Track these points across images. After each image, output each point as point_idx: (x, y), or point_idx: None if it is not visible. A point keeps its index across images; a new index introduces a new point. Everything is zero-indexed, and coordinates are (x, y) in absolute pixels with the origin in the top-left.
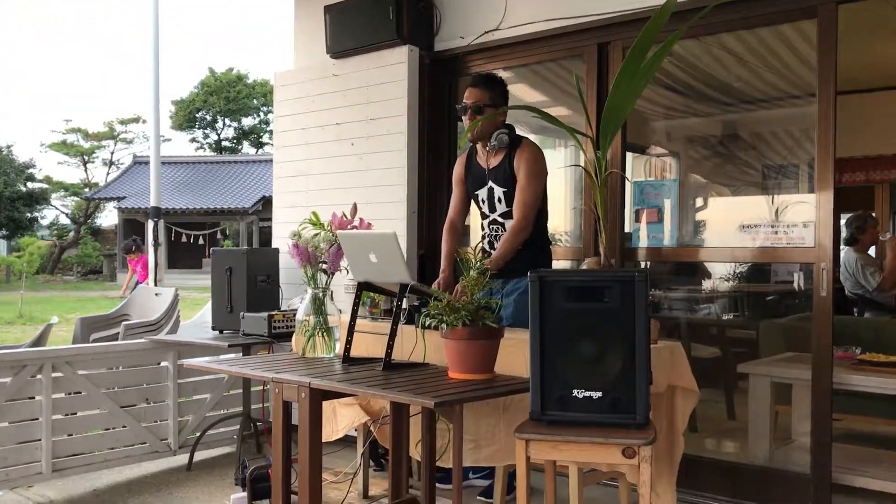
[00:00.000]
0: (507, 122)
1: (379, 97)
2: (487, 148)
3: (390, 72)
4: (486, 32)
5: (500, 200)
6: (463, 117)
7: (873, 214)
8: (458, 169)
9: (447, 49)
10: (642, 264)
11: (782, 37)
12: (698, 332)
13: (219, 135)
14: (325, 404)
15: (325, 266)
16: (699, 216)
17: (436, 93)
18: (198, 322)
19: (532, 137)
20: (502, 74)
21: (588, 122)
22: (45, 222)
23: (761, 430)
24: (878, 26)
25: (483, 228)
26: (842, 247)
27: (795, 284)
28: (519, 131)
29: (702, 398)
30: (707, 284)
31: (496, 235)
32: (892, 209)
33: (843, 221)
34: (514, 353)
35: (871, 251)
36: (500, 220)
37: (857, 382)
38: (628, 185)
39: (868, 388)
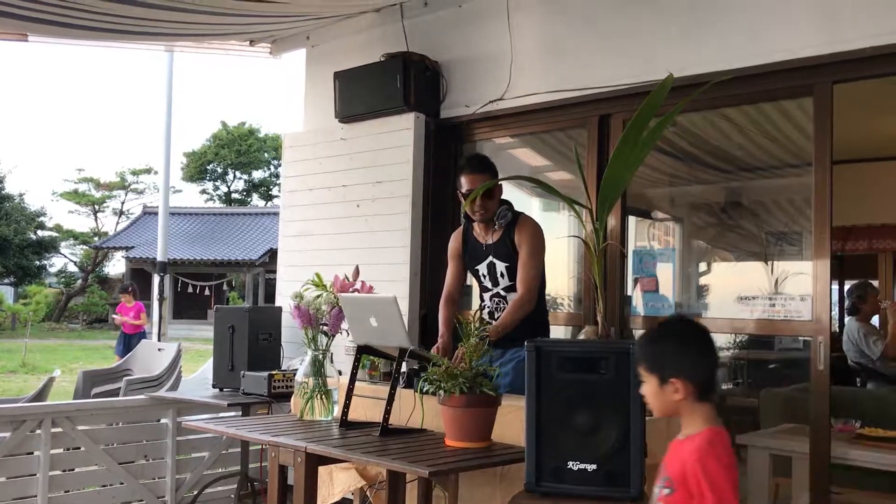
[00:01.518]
0: (503, 199)
1: (385, 161)
2: (489, 228)
3: (397, 137)
4: (491, 102)
5: (502, 275)
6: (464, 201)
7: (874, 284)
8: (453, 244)
9: (453, 116)
10: (640, 333)
11: (782, 109)
12: None
13: (229, 187)
14: (322, 468)
15: (325, 328)
16: (699, 284)
17: (441, 158)
18: (199, 378)
19: (536, 202)
20: (507, 142)
21: (587, 193)
22: (53, 270)
23: (760, 502)
24: (880, 101)
25: (483, 300)
26: (845, 317)
27: (798, 353)
28: (523, 195)
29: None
30: None
31: (497, 308)
32: None
33: (846, 289)
34: (513, 421)
35: (875, 320)
36: (502, 293)
37: (856, 457)
38: (626, 254)
39: (867, 464)
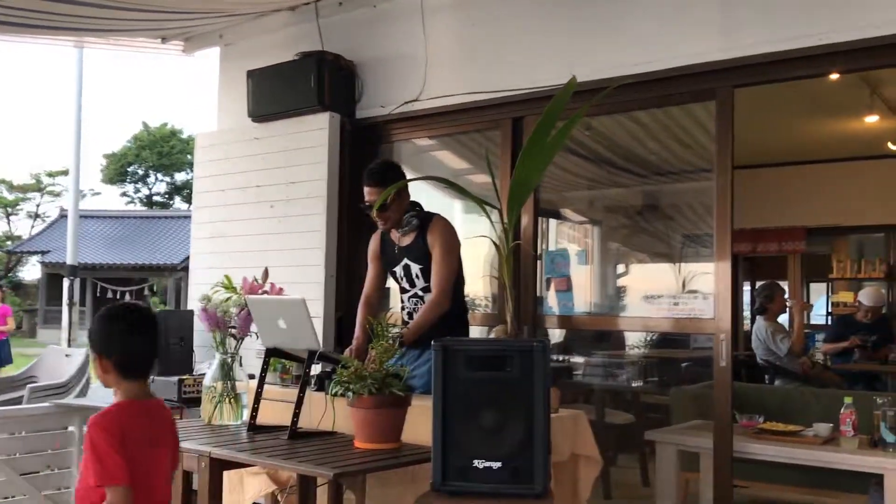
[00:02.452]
0: (413, 201)
1: (300, 161)
2: (399, 232)
3: (311, 137)
4: (407, 102)
5: (418, 276)
6: (368, 213)
7: (782, 284)
8: (372, 245)
9: (368, 117)
10: (558, 336)
11: (689, 112)
12: (613, 398)
13: (150, 189)
14: (232, 473)
15: (234, 331)
16: (610, 285)
17: (357, 159)
18: None
19: (457, 203)
20: (427, 144)
21: (498, 195)
22: None
23: (668, 497)
24: (787, 107)
25: (402, 302)
26: (755, 316)
27: (708, 352)
28: (444, 197)
29: (617, 464)
30: (622, 350)
31: (416, 308)
32: (804, 279)
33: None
34: (425, 421)
35: (783, 319)
36: (420, 293)
37: (757, 451)
38: (539, 255)
39: (768, 457)
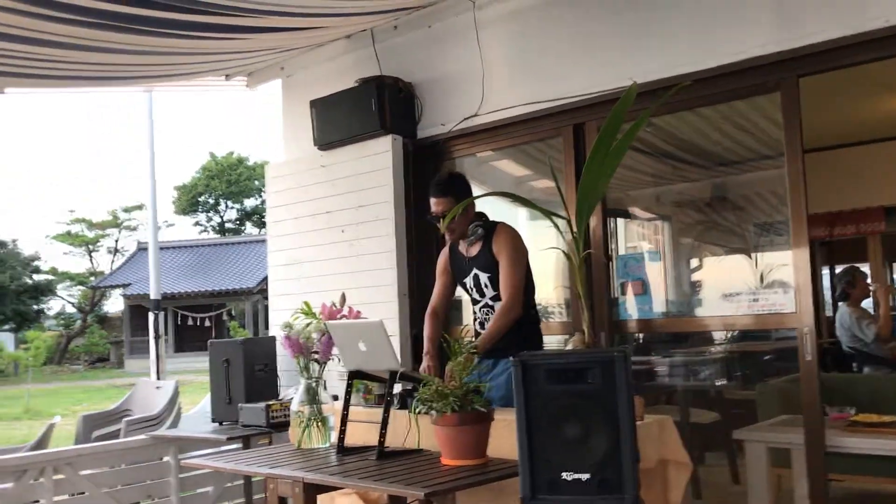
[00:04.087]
0: (478, 211)
1: (366, 185)
2: (466, 242)
3: (376, 160)
4: (466, 119)
5: (486, 286)
6: (436, 224)
7: (862, 268)
8: (442, 260)
9: (429, 136)
10: (635, 337)
11: (753, 103)
12: (697, 397)
13: (222, 217)
14: (324, 495)
15: (316, 356)
16: (686, 284)
17: (421, 178)
18: (199, 413)
19: (522, 212)
20: (487, 155)
21: (564, 204)
22: (51, 313)
23: (760, 494)
24: (854, 88)
25: (474, 313)
26: (838, 303)
27: (789, 343)
28: (509, 207)
29: (706, 463)
30: (703, 347)
31: (487, 318)
32: (886, 260)
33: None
34: (507, 434)
35: (867, 303)
36: (490, 303)
37: (851, 444)
38: (611, 260)
39: (862, 450)
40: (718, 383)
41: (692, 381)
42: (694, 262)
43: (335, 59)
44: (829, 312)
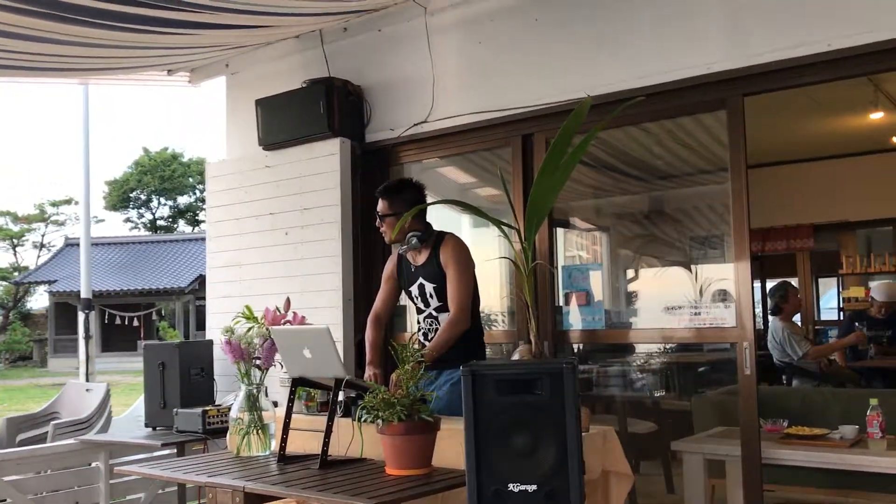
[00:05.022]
0: (425, 220)
1: (312, 187)
2: (400, 251)
3: (323, 163)
4: (415, 125)
5: (431, 296)
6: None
7: (794, 282)
8: (389, 266)
9: (378, 140)
10: (575, 346)
11: (697, 120)
12: (634, 407)
13: (154, 214)
14: None
15: (258, 362)
16: (628, 295)
17: (368, 182)
18: (131, 416)
19: (466, 220)
20: (434, 161)
21: (514, 214)
22: None
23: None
24: (789, 108)
25: (418, 322)
26: (768, 316)
27: (725, 355)
28: (453, 214)
29: (641, 473)
30: (640, 358)
31: (431, 328)
32: (814, 275)
33: (768, 287)
34: (450, 443)
35: (797, 318)
36: (434, 313)
37: (786, 456)
38: (556, 271)
39: (795, 462)
40: (655, 394)
41: (629, 391)
42: (634, 274)
43: (282, 58)
44: (759, 325)
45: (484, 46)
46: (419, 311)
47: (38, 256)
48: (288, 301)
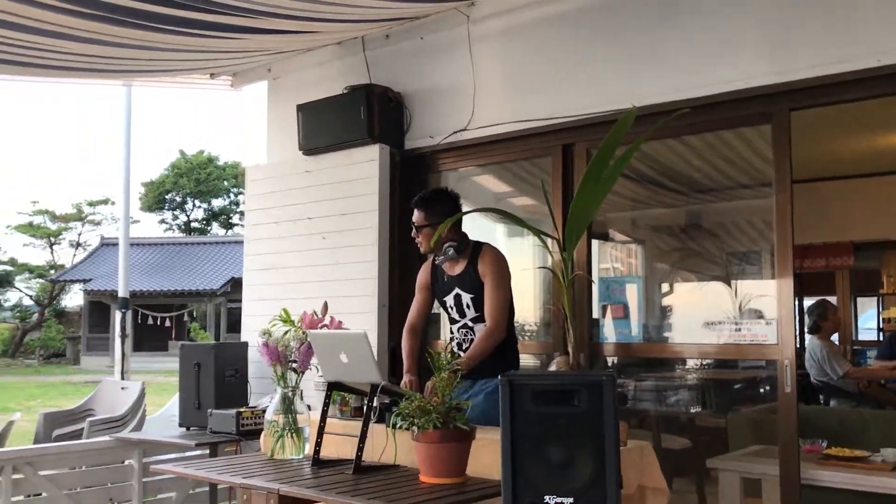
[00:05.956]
0: (461, 230)
1: (351, 193)
2: (437, 261)
3: (362, 169)
4: (455, 132)
5: (468, 306)
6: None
7: (833, 300)
8: (422, 275)
9: (417, 147)
10: (610, 360)
11: (740, 134)
12: (668, 423)
13: (188, 216)
14: None
15: (294, 365)
16: (664, 309)
17: (407, 189)
18: (165, 416)
19: (500, 229)
20: (470, 170)
21: (554, 224)
22: (7, 304)
23: None
24: (832, 124)
25: (452, 332)
26: (806, 335)
27: (762, 373)
28: (487, 223)
29: (673, 489)
30: (675, 373)
31: (466, 339)
32: (853, 294)
33: (806, 305)
34: (484, 453)
35: (835, 337)
36: (470, 324)
37: (825, 478)
38: (594, 283)
39: (836, 484)
40: (690, 410)
41: (663, 406)
42: (669, 288)
43: (324, 64)
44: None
45: (525, 55)
46: (453, 322)
47: (74, 255)
48: (325, 305)
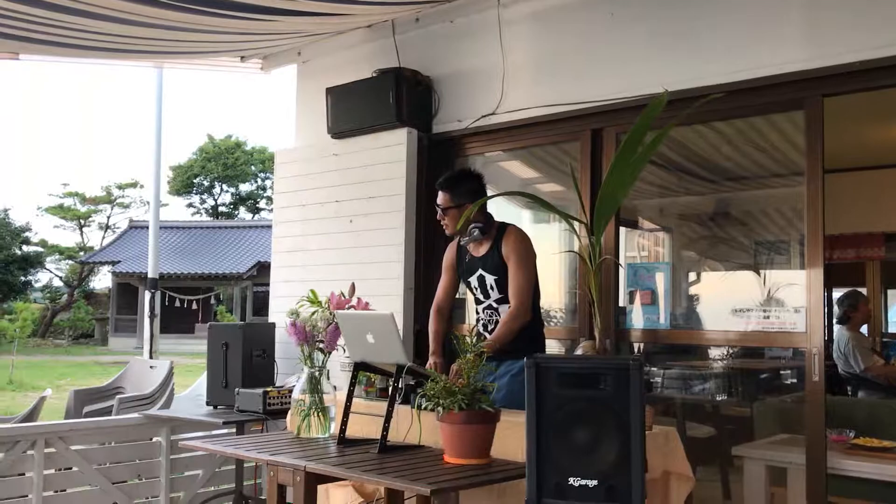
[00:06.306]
0: (486, 212)
1: (378, 176)
2: (461, 243)
3: (390, 152)
4: (483, 116)
5: (492, 287)
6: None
7: (863, 292)
8: (448, 255)
9: (445, 131)
10: (636, 345)
11: (771, 121)
12: (693, 411)
13: (216, 200)
14: (319, 486)
15: (321, 345)
16: (692, 297)
17: (434, 173)
18: (192, 395)
19: (526, 214)
20: (497, 155)
21: (582, 208)
22: (38, 285)
23: None
24: (864, 112)
25: (477, 313)
26: (835, 325)
27: (790, 362)
28: (513, 208)
29: (698, 477)
30: (701, 361)
31: (491, 320)
32: (883, 286)
33: (835, 297)
34: (508, 436)
35: (864, 329)
36: (494, 305)
37: (852, 467)
38: (622, 267)
39: (862, 474)
40: (715, 398)
41: (688, 394)
42: (696, 276)
43: (353, 47)
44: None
45: (556, 39)
46: (478, 302)
47: (103, 237)
48: (353, 286)
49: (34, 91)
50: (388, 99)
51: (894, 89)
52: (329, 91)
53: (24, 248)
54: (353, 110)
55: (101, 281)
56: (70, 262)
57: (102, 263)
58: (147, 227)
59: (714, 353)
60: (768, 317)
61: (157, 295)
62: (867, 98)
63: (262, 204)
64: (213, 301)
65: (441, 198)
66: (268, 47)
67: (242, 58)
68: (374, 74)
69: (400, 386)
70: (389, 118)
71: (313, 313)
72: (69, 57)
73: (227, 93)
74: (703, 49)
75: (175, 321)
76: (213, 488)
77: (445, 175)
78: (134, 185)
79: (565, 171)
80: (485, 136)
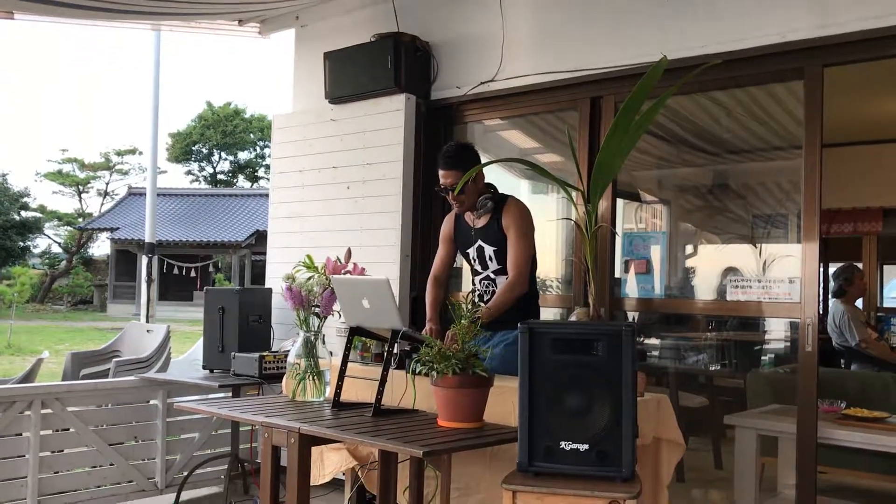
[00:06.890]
0: (487, 182)
1: (376, 143)
2: (474, 214)
3: (387, 118)
4: (482, 83)
5: (491, 259)
6: (445, 196)
7: (860, 266)
8: (445, 227)
9: (443, 98)
10: (630, 314)
11: (770, 92)
12: (686, 381)
13: (214, 168)
14: (313, 448)
15: (317, 310)
16: (687, 267)
17: (431, 140)
18: (189, 359)
19: (524, 184)
20: (496, 123)
21: (580, 176)
22: (37, 251)
23: (747, 481)
24: (864, 86)
25: (474, 284)
26: (830, 298)
27: (783, 334)
28: (512, 178)
29: (689, 447)
30: (695, 332)
31: (487, 291)
32: (879, 261)
33: (831, 271)
34: (501, 401)
35: (859, 303)
36: (492, 276)
37: (842, 437)
38: (618, 235)
39: (852, 444)
40: (707, 368)
41: (682, 364)
42: (693, 247)
43: (352, 12)
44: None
45: (557, 5)
46: (475, 273)
47: (102, 204)
48: (349, 251)
49: (33, 54)
50: (387, 64)
51: (888, 63)
52: (327, 55)
53: (23, 213)
54: (351, 75)
55: (101, 248)
56: (69, 228)
57: (101, 230)
58: (146, 195)
59: (707, 323)
60: (763, 287)
61: (154, 260)
62: (866, 72)
63: (260, 172)
64: (211, 269)
65: (451, 175)
66: (265, 10)
67: (240, 21)
68: (373, 39)
69: (395, 351)
70: (388, 84)
71: (309, 278)
72: (65, 17)
73: (227, 60)
74: (703, 16)
75: (174, 288)
76: (209, 451)
77: (447, 154)
78: (133, 151)
79: (564, 142)
80: (483, 104)
